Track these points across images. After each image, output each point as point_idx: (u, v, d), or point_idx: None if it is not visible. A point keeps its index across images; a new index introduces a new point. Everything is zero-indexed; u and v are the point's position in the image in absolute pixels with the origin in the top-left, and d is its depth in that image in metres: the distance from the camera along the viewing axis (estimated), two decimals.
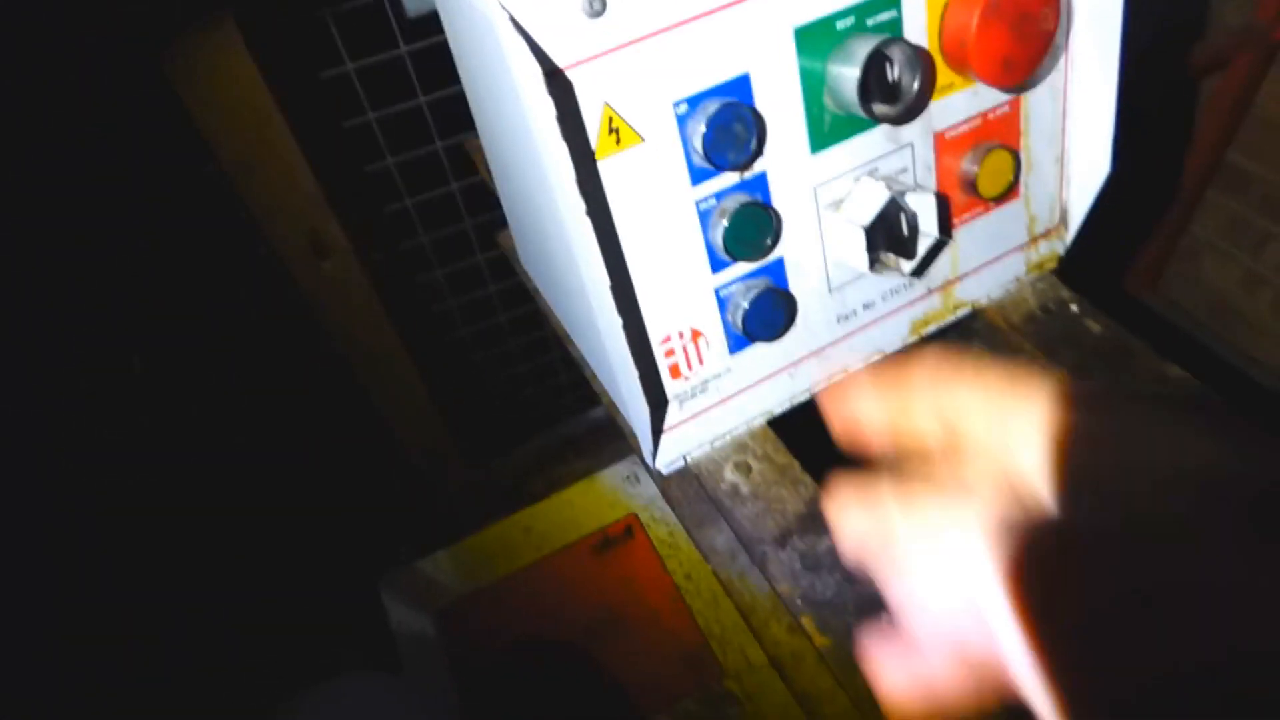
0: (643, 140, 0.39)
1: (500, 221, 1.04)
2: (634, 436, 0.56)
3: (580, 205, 0.36)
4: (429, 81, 0.87)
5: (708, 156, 0.39)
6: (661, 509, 0.96)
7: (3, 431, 0.81)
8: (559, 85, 0.35)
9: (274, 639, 1.00)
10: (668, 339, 0.45)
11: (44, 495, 0.85)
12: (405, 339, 0.92)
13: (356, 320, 0.87)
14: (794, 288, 0.46)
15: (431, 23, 0.85)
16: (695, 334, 0.45)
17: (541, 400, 1.22)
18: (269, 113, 0.68)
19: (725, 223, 0.41)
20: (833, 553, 0.45)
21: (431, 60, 0.87)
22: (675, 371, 0.46)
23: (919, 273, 0.50)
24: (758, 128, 0.40)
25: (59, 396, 0.84)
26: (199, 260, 0.83)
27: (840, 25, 0.41)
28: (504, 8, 0.32)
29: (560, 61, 0.35)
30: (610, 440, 1.16)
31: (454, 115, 0.92)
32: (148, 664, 0.94)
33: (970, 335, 0.58)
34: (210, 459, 0.97)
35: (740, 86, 0.40)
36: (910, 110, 0.42)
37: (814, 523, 0.46)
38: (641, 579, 0.90)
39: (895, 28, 0.42)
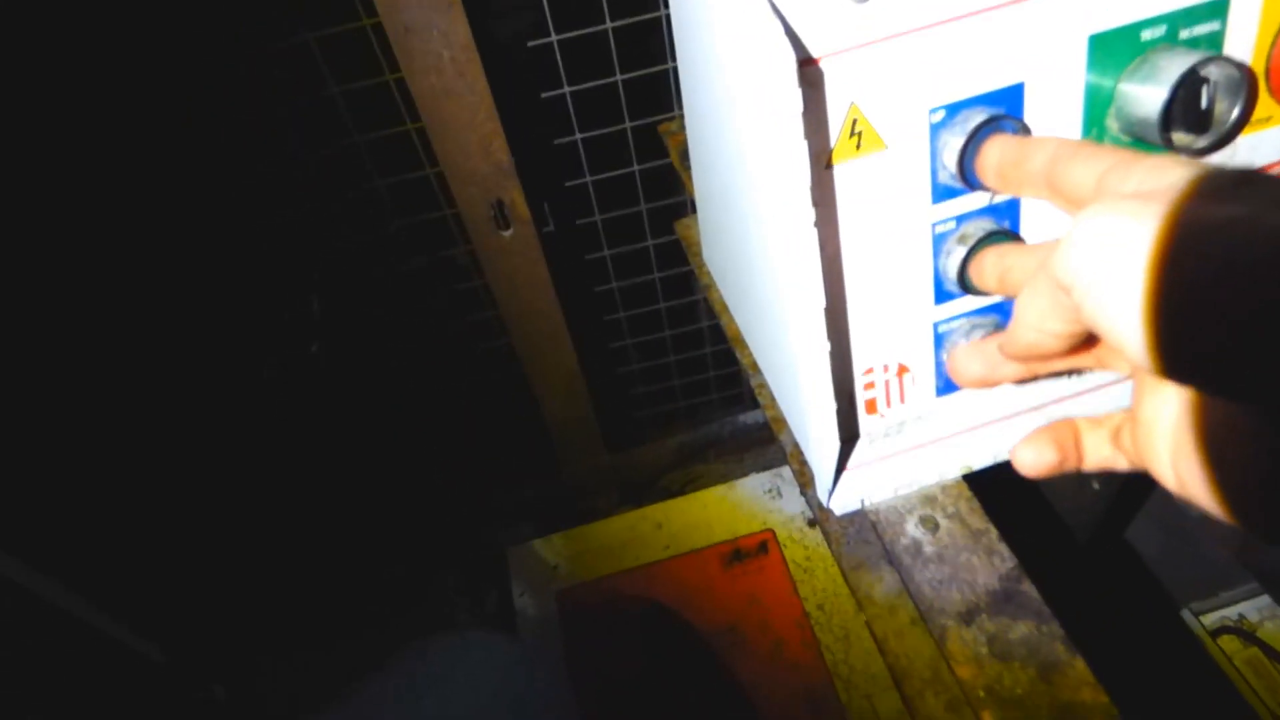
0: (886, 147, 0.34)
1: (676, 209, 1.01)
2: (804, 465, 0.52)
3: (809, 214, 0.31)
4: (626, 60, 0.85)
5: (961, 173, 0.34)
6: (801, 530, 0.91)
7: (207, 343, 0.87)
8: (808, 77, 0.31)
9: (393, 595, 1.03)
10: (870, 371, 0.40)
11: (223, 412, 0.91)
12: (567, 315, 0.92)
13: (525, 291, 0.87)
14: None
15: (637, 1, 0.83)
16: (901, 369, 0.40)
17: (686, 394, 1.19)
18: (476, 77, 0.68)
19: (963, 250, 0.36)
20: (1029, 643, 0.39)
21: (631, 39, 0.85)
22: (871, 407, 0.41)
23: None
24: None
25: (250, 328, 0.90)
26: (382, 211, 0.85)
27: (1146, 35, 0.34)
28: None
29: (814, 50, 0.31)
30: (753, 447, 1.12)
31: (645, 96, 0.89)
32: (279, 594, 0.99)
33: None
34: (363, 399, 1.01)
35: (1010, 97, 0.34)
36: (1218, 144, 0.35)
37: (1009, 604, 0.40)
38: (770, 599, 0.86)
39: (1215, 43, 0.35)
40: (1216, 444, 0.24)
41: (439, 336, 0.99)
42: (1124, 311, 0.22)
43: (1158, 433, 0.27)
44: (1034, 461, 0.32)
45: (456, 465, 1.12)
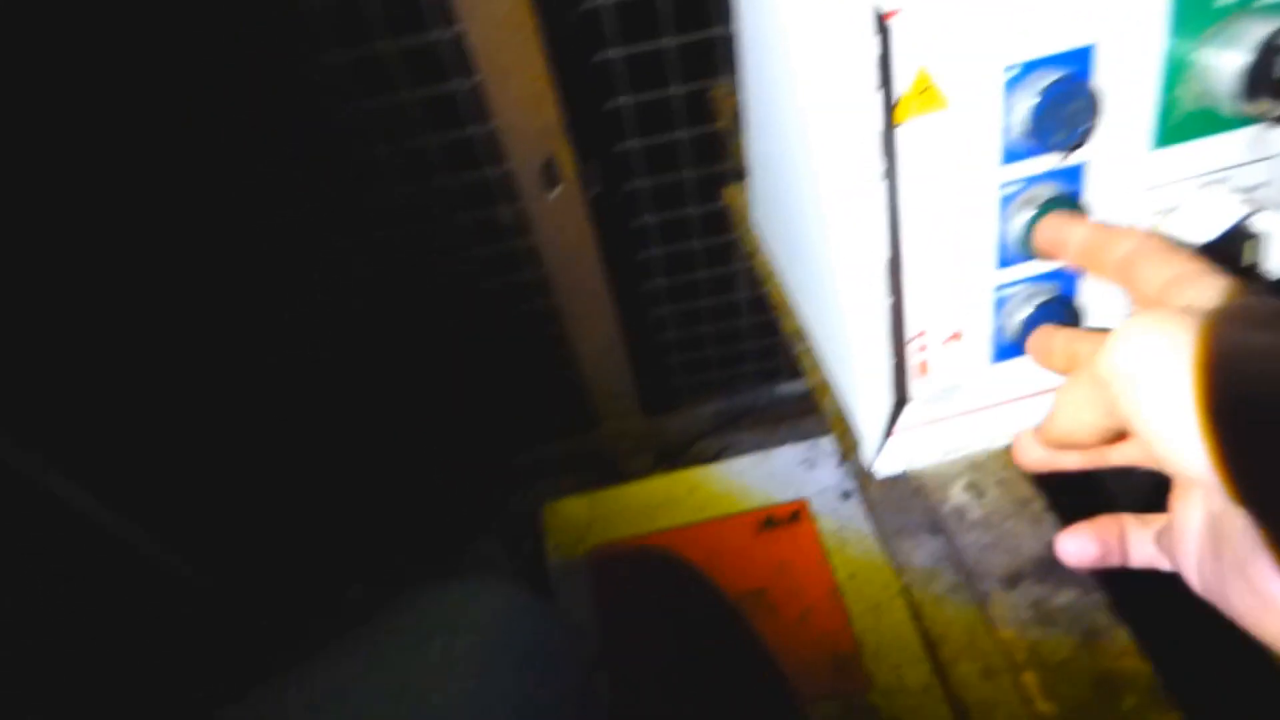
0: (954, 105, 0.34)
1: (720, 177, 1.01)
2: (846, 433, 0.52)
3: (877, 165, 0.31)
4: (677, 24, 0.84)
5: (1034, 133, 0.33)
6: (834, 502, 0.92)
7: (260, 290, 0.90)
8: (881, 29, 0.31)
9: (433, 541, 1.06)
10: (924, 333, 0.40)
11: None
12: (608, 279, 0.92)
13: (569, 250, 0.88)
14: (1085, 301, 0.40)
15: None
16: (956, 333, 0.40)
17: (721, 365, 1.19)
18: (531, 33, 0.68)
19: (1030, 212, 0.36)
20: (1073, 610, 0.39)
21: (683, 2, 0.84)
22: (923, 369, 0.41)
23: None
24: (1096, 110, 0.34)
25: (295, 274, 0.92)
26: (426, 168, 0.86)
27: (1223, 1, 0.33)
28: None
29: (887, 3, 0.30)
30: (789, 418, 1.12)
31: (694, 62, 0.89)
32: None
33: None
34: (403, 355, 1.03)
35: (1083, 58, 0.34)
36: None
37: (1053, 570, 0.41)
38: (800, 568, 0.87)
39: None
40: (1238, 554, 0.25)
41: (478, 295, 1.00)
42: (1156, 413, 0.25)
43: (1188, 535, 0.28)
44: (1076, 554, 0.34)
45: (492, 421, 1.13)
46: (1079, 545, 0.34)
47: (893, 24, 0.30)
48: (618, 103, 0.88)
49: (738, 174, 0.96)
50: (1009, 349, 0.41)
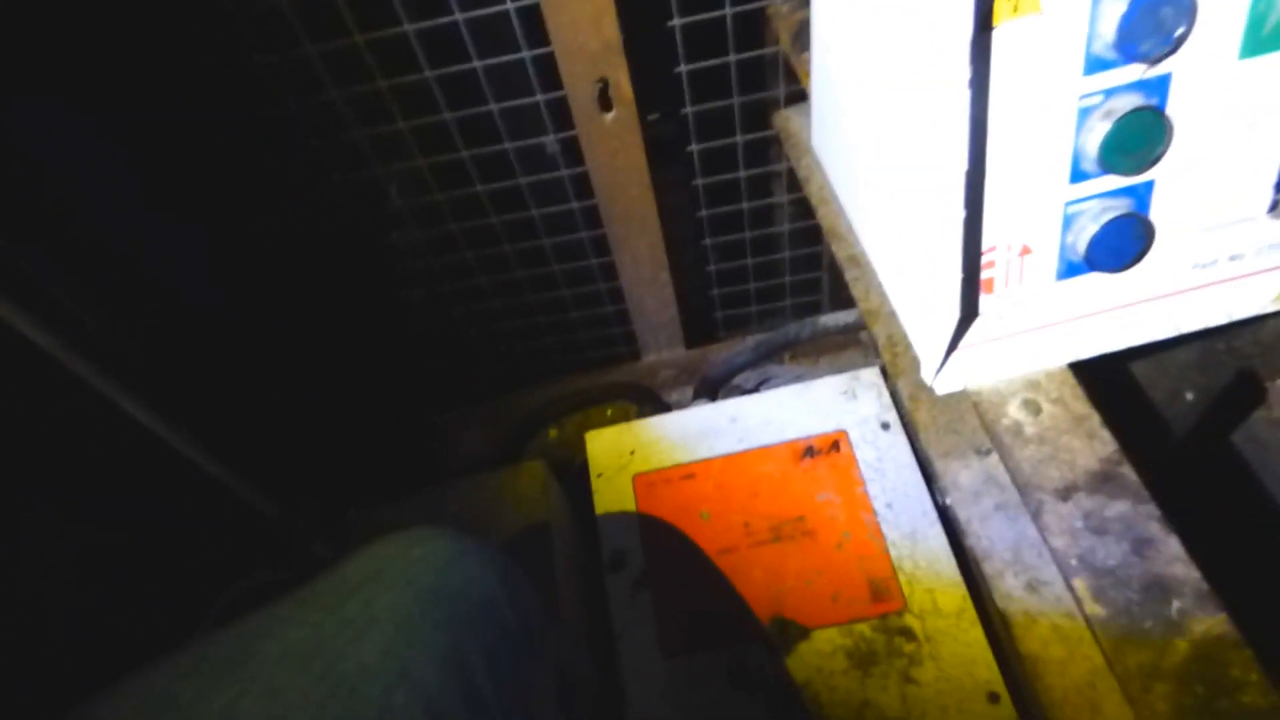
0: (1041, 11, 0.33)
1: (767, 104, 0.99)
2: (899, 352, 0.53)
3: (964, 73, 0.32)
4: None
5: (1118, 42, 0.33)
6: (874, 432, 0.93)
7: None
8: None
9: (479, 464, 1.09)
10: (993, 249, 0.40)
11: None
12: (659, 207, 0.92)
13: (620, 178, 0.88)
14: (1157, 217, 0.40)
15: None
16: (1025, 249, 0.41)
17: (760, 299, 1.19)
18: None
19: (1108, 126, 0.36)
20: (1124, 521, 0.40)
21: None
22: (989, 286, 0.42)
23: None
24: (1190, 15, 0.33)
25: (329, 203, 0.93)
26: (474, 93, 0.86)
27: None
28: None
29: None
30: (830, 350, 1.13)
31: None
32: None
33: None
34: (443, 284, 1.05)
35: None
36: None
37: (1107, 484, 0.42)
38: (840, 496, 0.88)
39: None
40: None
41: (523, 226, 1.01)
42: None
43: None
44: None
45: (534, 349, 1.15)
46: None
47: None
48: (675, 23, 0.86)
49: (785, 99, 0.94)
50: (1075, 267, 0.41)
